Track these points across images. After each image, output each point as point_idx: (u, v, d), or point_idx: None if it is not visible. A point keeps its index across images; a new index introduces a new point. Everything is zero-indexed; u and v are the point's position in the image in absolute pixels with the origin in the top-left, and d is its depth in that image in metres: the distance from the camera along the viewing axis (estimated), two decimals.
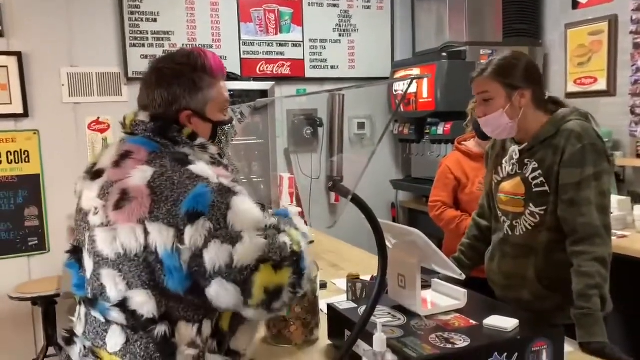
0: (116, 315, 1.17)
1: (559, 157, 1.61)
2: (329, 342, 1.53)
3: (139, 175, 1.15)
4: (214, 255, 1.08)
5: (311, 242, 2.66)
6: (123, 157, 1.20)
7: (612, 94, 3.33)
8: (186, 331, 1.15)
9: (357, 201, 1.06)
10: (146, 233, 1.11)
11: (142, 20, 3.50)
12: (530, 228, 1.69)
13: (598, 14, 3.38)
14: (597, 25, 3.37)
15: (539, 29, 3.77)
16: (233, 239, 1.09)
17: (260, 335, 1.58)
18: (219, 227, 1.10)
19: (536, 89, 1.69)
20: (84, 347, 1.25)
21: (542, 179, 1.65)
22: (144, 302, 1.13)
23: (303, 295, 1.52)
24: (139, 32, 3.50)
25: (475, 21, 3.58)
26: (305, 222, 2.89)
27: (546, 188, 1.64)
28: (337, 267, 2.40)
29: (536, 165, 1.66)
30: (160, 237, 1.10)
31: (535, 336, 1.29)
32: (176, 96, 1.26)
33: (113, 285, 1.16)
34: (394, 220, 4.35)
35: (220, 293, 1.09)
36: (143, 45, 3.52)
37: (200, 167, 1.18)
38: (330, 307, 1.51)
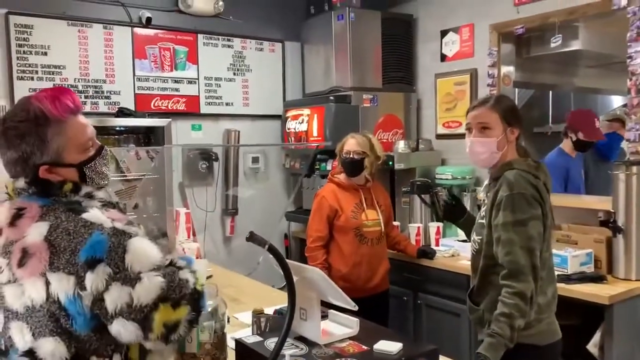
0: None
1: (495, 199, 1.83)
2: None
3: (36, 232, 1.20)
4: (116, 298, 1.16)
5: (209, 276, 2.77)
6: (17, 215, 1.24)
7: None
8: None
9: (273, 250, 1.23)
10: (47, 284, 1.18)
11: (31, 53, 3.41)
12: (474, 253, 1.95)
13: (462, 67, 3.89)
14: (461, 77, 3.89)
15: (414, 77, 4.24)
16: (132, 280, 1.17)
17: None
18: (118, 270, 1.17)
19: (521, 132, 1.93)
20: None
21: (484, 212, 1.90)
22: (53, 349, 1.19)
23: (214, 332, 1.66)
24: (27, 65, 3.41)
25: (359, 68, 3.95)
26: (198, 256, 2.99)
27: (484, 221, 1.88)
28: (238, 301, 2.51)
29: (485, 198, 1.90)
30: (61, 285, 1.17)
31: (416, 357, 1.54)
32: (27, 154, 1.25)
33: (21, 337, 1.21)
34: (286, 250, 4.56)
35: (122, 331, 1.18)
36: (32, 79, 3.42)
37: (94, 213, 1.24)
38: (238, 342, 1.65)
